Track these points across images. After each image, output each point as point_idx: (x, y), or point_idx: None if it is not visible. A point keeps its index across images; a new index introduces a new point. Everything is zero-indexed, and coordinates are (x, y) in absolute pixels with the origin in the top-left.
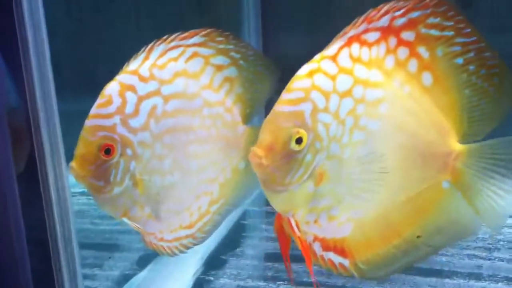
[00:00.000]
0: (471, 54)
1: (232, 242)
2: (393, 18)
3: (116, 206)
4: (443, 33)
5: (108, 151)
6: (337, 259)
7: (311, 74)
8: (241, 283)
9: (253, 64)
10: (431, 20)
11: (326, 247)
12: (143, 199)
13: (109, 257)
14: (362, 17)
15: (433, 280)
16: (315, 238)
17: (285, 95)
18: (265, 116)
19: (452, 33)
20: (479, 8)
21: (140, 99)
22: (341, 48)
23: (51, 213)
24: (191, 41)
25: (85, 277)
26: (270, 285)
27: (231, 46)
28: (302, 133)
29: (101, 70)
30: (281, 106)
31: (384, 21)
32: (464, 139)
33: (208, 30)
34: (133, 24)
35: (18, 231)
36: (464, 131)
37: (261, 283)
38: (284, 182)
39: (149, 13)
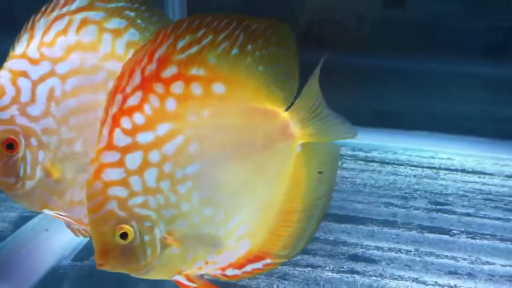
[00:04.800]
0: (241, 38)
1: None
2: (143, 71)
3: (33, 200)
4: (201, 44)
5: (10, 145)
6: (257, 265)
7: (97, 175)
8: None
9: (151, 22)
10: (180, 44)
11: (240, 265)
12: (60, 187)
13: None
14: (109, 97)
15: (347, 226)
16: (222, 269)
17: (89, 204)
18: None
19: (210, 37)
20: None
21: (35, 83)
22: (111, 132)
23: None
24: (74, 5)
25: None
26: None
27: (122, 4)
28: (125, 228)
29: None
30: (91, 215)
31: (135, 81)
32: (289, 102)
33: None
34: None
35: None
36: (283, 98)
37: None
38: (141, 268)
39: None
